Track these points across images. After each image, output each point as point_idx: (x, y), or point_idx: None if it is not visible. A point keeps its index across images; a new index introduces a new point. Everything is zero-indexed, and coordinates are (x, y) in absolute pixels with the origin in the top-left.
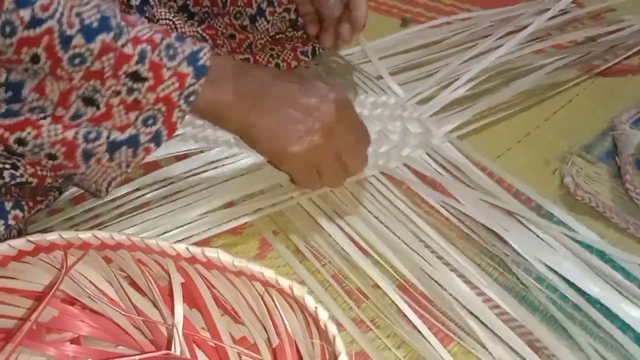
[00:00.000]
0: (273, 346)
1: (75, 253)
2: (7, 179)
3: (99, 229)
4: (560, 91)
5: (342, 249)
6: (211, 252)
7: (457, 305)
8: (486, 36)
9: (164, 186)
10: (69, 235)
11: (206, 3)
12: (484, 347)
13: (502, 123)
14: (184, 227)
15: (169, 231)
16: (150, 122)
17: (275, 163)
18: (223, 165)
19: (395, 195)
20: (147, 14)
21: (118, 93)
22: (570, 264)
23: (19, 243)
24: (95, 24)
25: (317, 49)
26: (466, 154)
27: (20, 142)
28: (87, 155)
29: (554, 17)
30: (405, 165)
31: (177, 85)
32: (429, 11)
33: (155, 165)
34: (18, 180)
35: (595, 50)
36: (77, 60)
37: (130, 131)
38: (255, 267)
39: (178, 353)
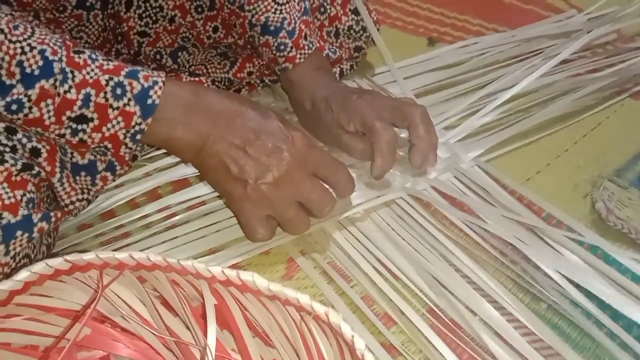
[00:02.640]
0: None
1: (110, 273)
2: (10, 162)
3: (128, 246)
4: (590, 114)
5: (370, 271)
6: (246, 276)
7: (487, 330)
8: (514, 56)
9: (194, 206)
10: (105, 255)
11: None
12: None
13: (531, 146)
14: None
15: (200, 255)
16: (102, 152)
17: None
18: None
19: (424, 217)
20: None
21: (62, 135)
22: (606, 289)
23: (56, 262)
24: (36, 71)
25: (344, 70)
26: (495, 177)
27: (10, 130)
28: (62, 165)
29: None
30: (433, 187)
31: (122, 124)
32: (456, 31)
33: (185, 183)
34: (20, 163)
35: (626, 72)
36: (14, 107)
37: (88, 156)
38: (290, 293)
39: None
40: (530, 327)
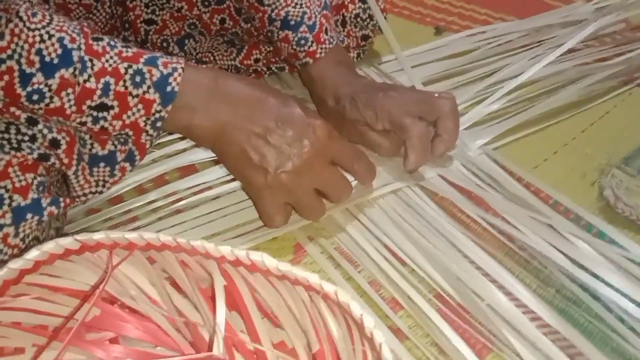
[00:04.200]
0: (313, 352)
1: (120, 253)
2: (26, 150)
3: (136, 230)
4: (597, 103)
5: (377, 257)
6: (255, 256)
7: (495, 315)
8: (522, 46)
9: (201, 191)
10: (115, 235)
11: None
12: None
13: (538, 134)
14: (222, 234)
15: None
16: (122, 140)
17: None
18: None
19: (430, 206)
20: None
21: (84, 124)
22: (613, 276)
23: (66, 242)
24: (55, 60)
25: (351, 58)
26: (502, 165)
27: (32, 121)
28: (80, 157)
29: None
30: (440, 176)
31: (142, 112)
32: (463, 20)
33: (191, 170)
34: (36, 152)
35: (634, 61)
36: (35, 97)
37: (109, 146)
38: (299, 272)
39: (220, 355)
40: (538, 312)
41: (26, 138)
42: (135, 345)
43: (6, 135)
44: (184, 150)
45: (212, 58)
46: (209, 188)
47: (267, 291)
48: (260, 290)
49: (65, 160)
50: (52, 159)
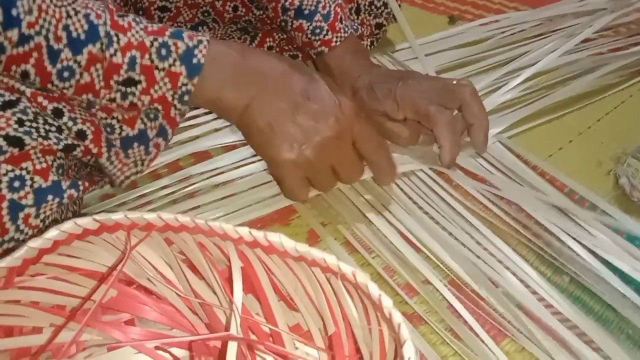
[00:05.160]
0: (329, 334)
1: (137, 234)
2: (53, 140)
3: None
4: (613, 92)
5: (391, 243)
6: (273, 237)
7: (510, 301)
8: (535, 35)
9: (214, 175)
10: (134, 215)
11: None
12: (538, 345)
13: (554, 123)
14: (234, 213)
15: (220, 217)
16: (152, 116)
17: (267, 165)
18: None
19: (446, 190)
20: None
21: (113, 100)
22: (626, 264)
23: (85, 221)
24: (82, 36)
25: (365, 45)
26: (517, 153)
27: (57, 112)
28: (109, 144)
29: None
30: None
31: (169, 85)
32: (477, 9)
33: (205, 155)
34: (62, 143)
35: None
36: (65, 74)
37: (139, 125)
38: (317, 253)
39: (237, 334)
40: (553, 299)
41: (53, 129)
42: (150, 327)
43: (34, 124)
44: (197, 137)
45: None
46: (222, 173)
47: (283, 273)
48: (276, 272)
49: (95, 150)
50: (78, 150)
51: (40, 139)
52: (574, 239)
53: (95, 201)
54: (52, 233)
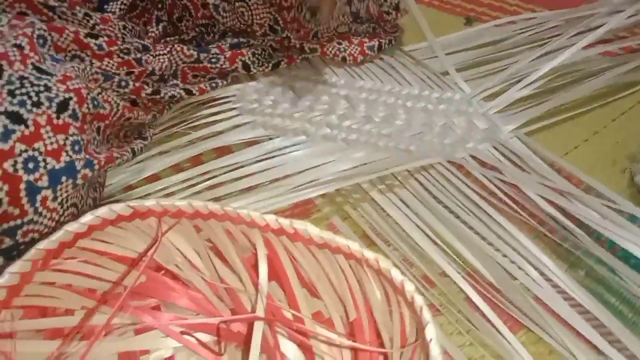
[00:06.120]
0: (350, 320)
1: (167, 222)
2: (45, 104)
3: None
4: (629, 93)
5: (409, 236)
6: (299, 224)
7: (527, 293)
8: (552, 36)
9: (235, 169)
10: (165, 202)
11: None
12: (554, 337)
13: (569, 121)
14: (254, 204)
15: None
16: None
17: None
18: (290, 152)
19: (464, 183)
20: None
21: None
22: None
23: (119, 207)
24: None
25: (383, 44)
26: (534, 149)
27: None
28: None
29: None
30: (471, 156)
31: None
32: (494, 11)
33: (227, 150)
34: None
35: None
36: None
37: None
38: (341, 240)
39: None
40: (572, 292)
41: (42, 89)
42: (176, 312)
43: (23, 90)
44: (219, 133)
45: (246, 42)
46: (243, 167)
47: (307, 260)
48: (300, 260)
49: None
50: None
51: (34, 109)
52: (590, 232)
53: (119, 192)
54: (87, 218)
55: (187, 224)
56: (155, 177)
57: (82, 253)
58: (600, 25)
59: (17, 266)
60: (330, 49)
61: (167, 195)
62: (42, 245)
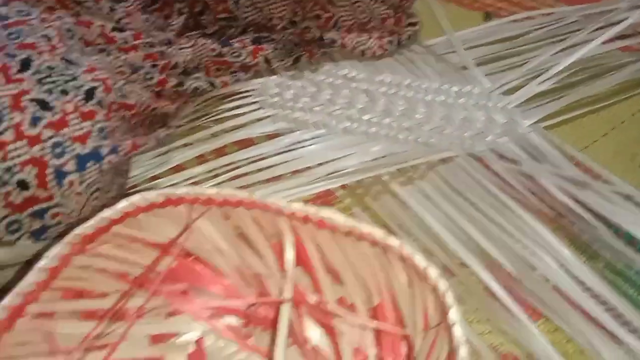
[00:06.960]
0: (373, 305)
1: (197, 209)
2: (72, 93)
3: None
4: None
5: (429, 227)
6: (325, 212)
7: (546, 284)
8: (571, 32)
9: (256, 160)
10: (196, 190)
11: None
12: (573, 326)
13: (588, 116)
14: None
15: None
16: None
17: None
18: (310, 145)
19: (483, 175)
20: None
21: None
22: None
23: (152, 195)
24: None
25: (402, 38)
26: (552, 143)
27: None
28: None
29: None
30: (491, 150)
31: None
32: (512, 6)
33: (249, 142)
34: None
35: None
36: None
37: None
38: (365, 227)
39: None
40: (589, 282)
41: (69, 77)
42: (205, 297)
43: (50, 79)
44: (242, 126)
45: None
46: (264, 159)
47: (332, 247)
48: (325, 246)
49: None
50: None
51: (61, 97)
52: (607, 224)
53: (143, 182)
54: (122, 204)
55: (216, 212)
56: (180, 168)
57: (116, 238)
58: (621, 21)
59: (57, 249)
60: (349, 41)
61: (192, 185)
62: (80, 230)
